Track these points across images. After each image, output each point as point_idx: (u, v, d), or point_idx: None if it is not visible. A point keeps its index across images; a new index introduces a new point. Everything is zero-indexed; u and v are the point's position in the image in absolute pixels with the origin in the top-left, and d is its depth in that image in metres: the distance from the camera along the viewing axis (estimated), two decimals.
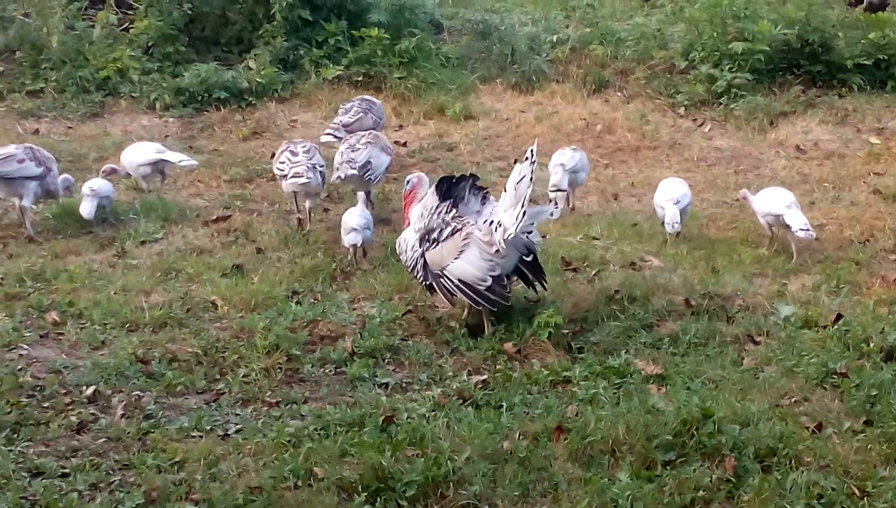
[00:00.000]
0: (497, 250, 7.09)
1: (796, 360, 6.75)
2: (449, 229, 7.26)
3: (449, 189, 7.42)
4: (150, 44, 13.69)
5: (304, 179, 8.96)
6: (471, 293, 7.13)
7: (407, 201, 7.85)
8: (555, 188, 9.68)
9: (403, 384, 6.66)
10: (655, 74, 13.89)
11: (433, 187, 7.54)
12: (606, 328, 7.31)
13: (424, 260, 7.35)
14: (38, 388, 6.41)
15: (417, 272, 7.44)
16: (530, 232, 7.23)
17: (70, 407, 6.21)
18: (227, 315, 7.48)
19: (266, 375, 6.65)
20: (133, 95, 13.01)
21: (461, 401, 6.32)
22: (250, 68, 13.46)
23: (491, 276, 7.12)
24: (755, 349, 6.99)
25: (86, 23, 13.83)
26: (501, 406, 6.25)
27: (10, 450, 5.72)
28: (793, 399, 6.29)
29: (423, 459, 5.55)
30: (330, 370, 6.82)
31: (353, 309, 7.69)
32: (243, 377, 6.63)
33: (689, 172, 11.20)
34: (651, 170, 11.26)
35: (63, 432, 5.96)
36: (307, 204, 9.27)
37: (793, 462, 5.59)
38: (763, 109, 12.79)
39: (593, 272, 8.22)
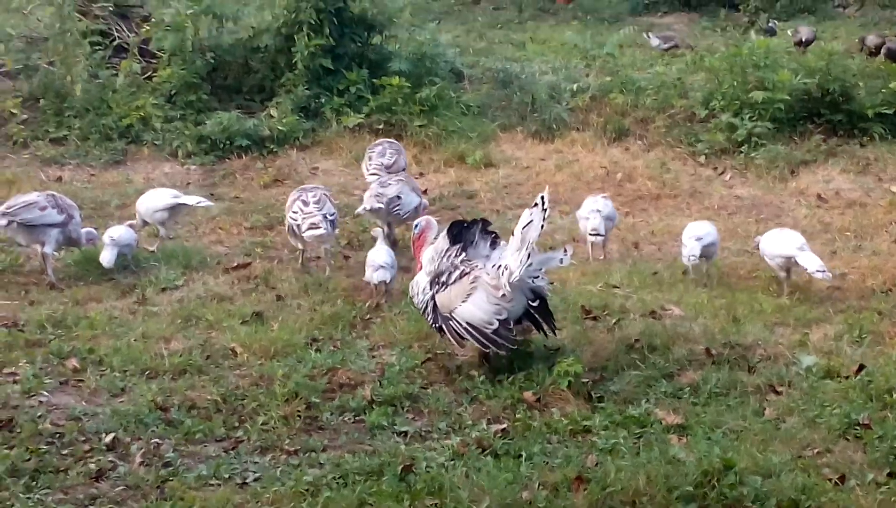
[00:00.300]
0: (503, 295, 7.12)
1: (818, 411, 6.67)
2: (458, 273, 7.31)
3: (459, 233, 7.50)
4: (172, 92, 13.82)
5: (321, 231, 9.10)
6: (478, 336, 7.16)
7: (417, 246, 7.93)
8: (595, 232, 9.88)
9: (422, 433, 6.61)
10: (676, 123, 13.96)
11: (444, 231, 7.60)
12: (626, 377, 7.26)
13: (434, 303, 7.39)
14: (58, 435, 6.38)
15: (428, 315, 7.48)
16: (537, 277, 7.26)
17: (89, 454, 6.19)
18: (247, 363, 7.47)
19: (285, 423, 6.62)
20: (155, 142, 13.11)
21: (480, 450, 6.27)
22: (272, 116, 13.56)
23: (497, 320, 7.14)
24: (777, 400, 6.92)
25: (109, 71, 14.00)
26: (521, 456, 6.19)
27: (28, 497, 5.69)
28: (815, 451, 6.21)
29: None
30: (349, 418, 6.78)
31: (373, 357, 7.67)
32: (262, 424, 6.60)
33: (709, 220, 11.13)
34: (671, 218, 11.25)
35: (82, 479, 5.93)
36: (323, 248, 9.50)
37: None
38: (784, 158, 12.79)
39: (613, 321, 8.18)
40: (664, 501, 5.59)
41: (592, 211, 9.97)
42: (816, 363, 7.34)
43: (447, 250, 7.46)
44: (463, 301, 7.21)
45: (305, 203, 9.31)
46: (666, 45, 17.82)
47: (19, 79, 14.06)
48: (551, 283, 7.70)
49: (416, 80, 14.14)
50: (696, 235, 9.24)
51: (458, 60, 15.84)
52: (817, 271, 8.64)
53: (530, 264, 7.09)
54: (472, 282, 7.21)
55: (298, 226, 9.21)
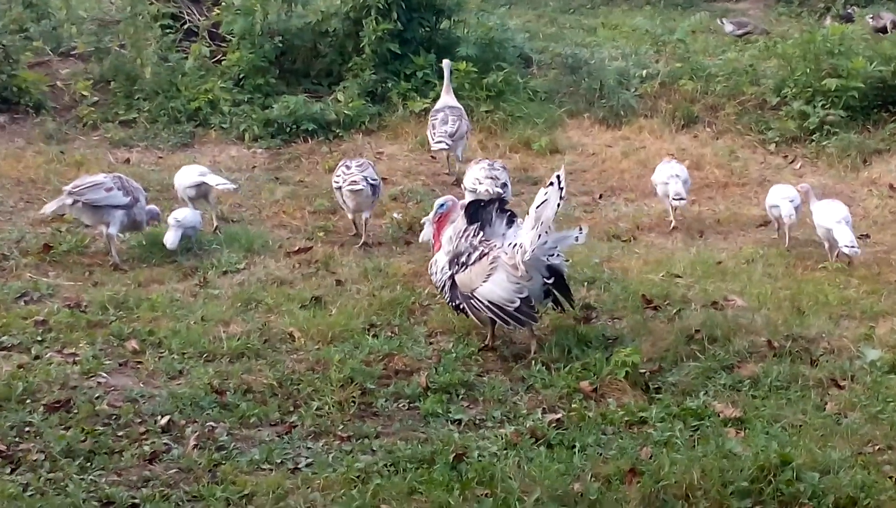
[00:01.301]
0: (524, 274, 7.21)
1: (881, 406, 6.53)
2: (477, 253, 7.43)
3: (476, 212, 7.61)
4: (241, 76, 13.88)
5: (358, 187, 9.50)
6: (500, 314, 7.29)
7: (439, 224, 7.94)
8: (678, 197, 10.20)
9: (476, 421, 6.58)
10: (746, 110, 13.74)
11: (462, 211, 7.70)
12: (685, 368, 7.16)
13: (453, 282, 7.51)
14: (114, 416, 6.45)
15: (446, 293, 7.61)
16: (552, 255, 7.32)
17: (144, 437, 6.24)
18: (304, 347, 7.48)
19: (339, 408, 6.62)
20: (223, 125, 13.18)
21: (534, 440, 6.22)
22: (339, 101, 13.56)
23: (519, 298, 7.25)
24: (839, 394, 6.78)
25: (179, 55, 14.11)
26: (574, 447, 6.14)
27: (82, 479, 5.76)
28: (876, 447, 6.08)
29: (492, 499, 5.50)
30: (403, 405, 6.77)
31: (430, 343, 7.65)
32: (316, 410, 6.61)
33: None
34: (739, 207, 11.05)
35: (136, 461, 5.98)
36: (363, 216, 9.78)
37: None
38: (856, 147, 12.51)
39: (674, 311, 8.07)
40: (718, 496, 5.50)
41: (671, 176, 10.28)
42: (881, 357, 7.19)
43: (465, 230, 7.58)
44: (483, 281, 7.33)
45: (348, 167, 9.79)
46: (739, 31, 17.57)
47: (91, 61, 14.20)
48: (567, 260, 7.70)
49: (483, 65, 14.06)
50: (788, 196, 9.61)
51: (526, 46, 15.72)
52: (846, 246, 8.93)
53: (545, 243, 7.19)
54: (492, 262, 7.32)
55: (339, 188, 9.67)
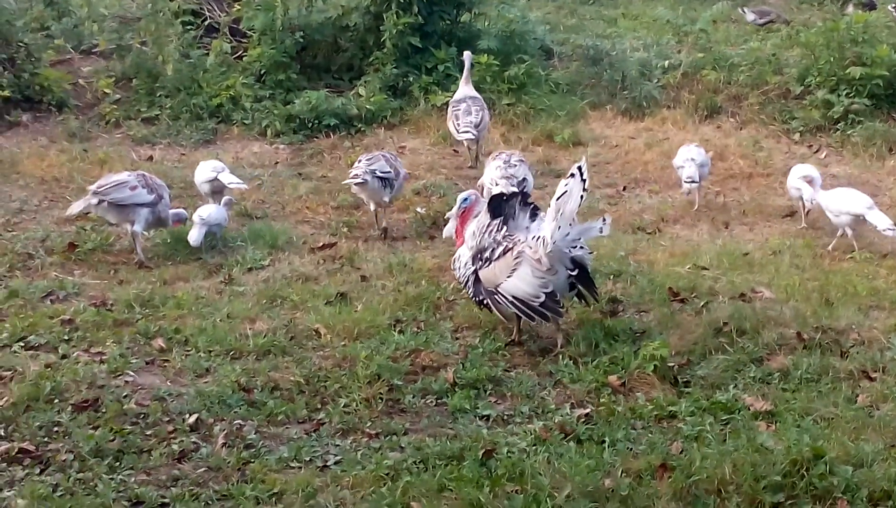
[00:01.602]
0: (549, 268, 7.18)
1: None
2: (501, 249, 7.38)
3: (499, 206, 7.59)
4: (262, 71, 13.88)
5: (359, 180, 9.53)
6: (525, 310, 7.24)
7: (463, 219, 7.91)
8: (690, 180, 10.46)
9: (505, 417, 6.55)
10: (770, 100, 13.65)
11: (485, 205, 7.68)
12: (714, 361, 7.11)
13: (476, 277, 7.47)
14: (142, 416, 6.44)
15: (469, 288, 7.58)
16: (575, 247, 7.28)
17: (172, 435, 6.23)
18: (330, 344, 7.46)
19: (367, 405, 6.60)
20: (245, 121, 13.16)
21: (563, 436, 6.19)
22: (360, 95, 13.54)
23: (544, 292, 7.20)
24: (870, 386, 6.72)
25: (200, 51, 14.12)
26: (604, 442, 6.10)
27: (111, 478, 5.75)
28: None
29: (522, 496, 5.46)
30: (431, 401, 6.75)
31: (456, 339, 7.62)
32: (344, 407, 6.59)
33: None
34: (763, 198, 10.97)
35: (164, 460, 5.98)
36: (379, 207, 9.86)
37: None
38: (881, 136, 12.41)
39: (701, 304, 8.02)
40: (751, 491, 5.45)
41: (687, 160, 10.53)
42: None
43: (488, 225, 7.54)
44: (508, 276, 7.29)
45: (360, 160, 9.86)
46: (761, 20, 17.45)
47: (112, 59, 14.22)
48: (591, 252, 7.62)
49: (504, 58, 14.01)
50: (808, 174, 9.78)
51: (547, 38, 15.66)
52: (888, 228, 9.03)
53: (567, 234, 7.15)
54: (517, 257, 7.28)
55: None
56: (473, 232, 7.63)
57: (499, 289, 7.33)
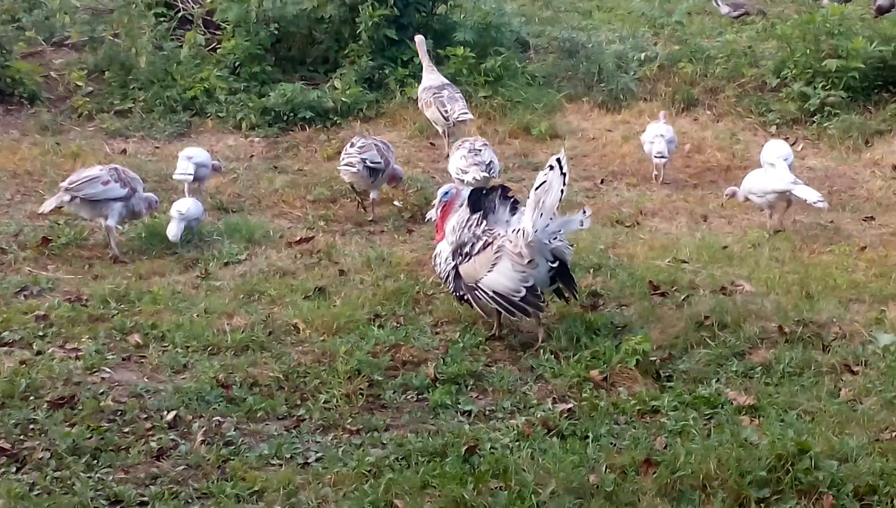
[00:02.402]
0: (530, 261, 7.12)
1: None
2: (481, 243, 7.33)
3: (479, 200, 7.52)
4: (236, 64, 13.74)
5: (353, 169, 9.81)
6: (506, 305, 7.19)
7: (443, 213, 7.81)
8: (660, 155, 11.08)
9: (487, 412, 6.50)
10: (746, 92, 13.63)
11: (465, 199, 7.62)
12: (696, 355, 7.09)
13: (457, 272, 7.42)
14: (119, 413, 6.35)
15: (450, 284, 7.53)
16: (555, 238, 7.25)
17: (150, 433, 6.15)
18: (309, 339, 7.38)
19: (347, 401, 6.54)
20: (219, 114, 13.05)
21: (546, 431, 6.14)
22: (336, 88, 13.43)
23: (525, 287, 7.15)
24: (853, 380, 6.70)
25: (174, 43, 13.97)
26: (588, 437, 6.06)
27: (89, 477, 5.66)
28: (893, 434, 5.98)
29: (506, 493, 5.41)
30: (412, 397, 6.69)
31: (436, 333, 7.56)
32: (324, 403, 6.52)
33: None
34: None
35: (143, 458, 5.89)
36: (371, 195, 10.10)
37: (894, 500, 5.33)
38: (858, 128, 12.41)
39: (682, 297, 7.98)
40: (736, 486, 5.42)
41: (656, 136, 11.14)
42: (894, 341, 7.07)
43: (468, 220, 7.49)
44: (488, 271, 7.24)
45: (352, 145, 10.06)
46: (736, 13, 17.40)
47: (84, 51, 14.02)
48: (571, 245, 7.63)
49: (480, 50, 13.91)
50: (784, 155, 10.19)
51: (523, 30, 15.56)
52: (817, 201, 9.38)
53: (547, 226, 7.09)
54: (497, 252, 7.22)
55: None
56: (453, 227, 7.56)
57: (479, 284, 7.28)
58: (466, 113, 11.74)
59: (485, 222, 7.44)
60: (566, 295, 7.57)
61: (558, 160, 7.08)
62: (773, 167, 9.96)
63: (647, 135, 11.31)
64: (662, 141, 11.08)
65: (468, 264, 7.34)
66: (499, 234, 7.33)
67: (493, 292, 7.20)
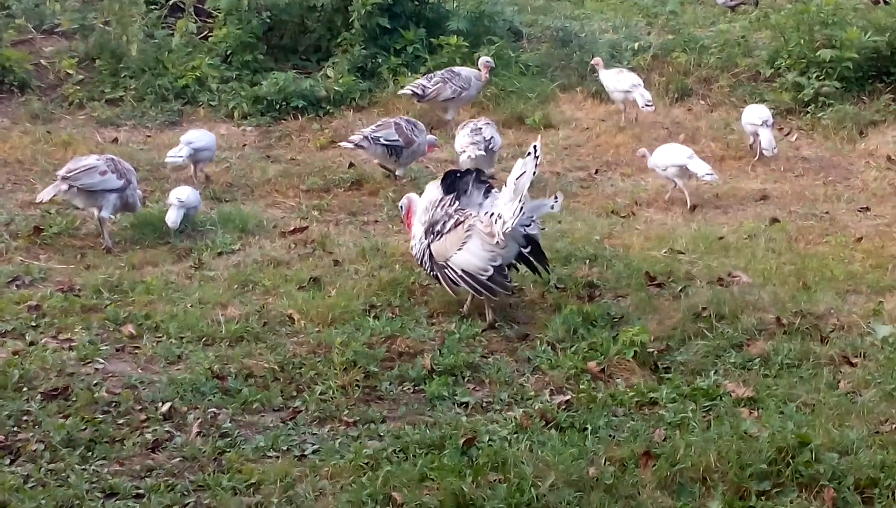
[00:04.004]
0: (498, 242, 7.23)
1: None
2: (452, 222, 7.47)
3: (453, 183, 7.66)
4: (228, 52, 13.66)
5: (351, 146, 10.56)
6: (473, 283, 7.32)
7: (407, 221, 8.14)
8: (649, 103, 12.23)
9: (484, 404, 6.45)
10: (740, 82, 13.65)
11: (438, 181, 7.78)
12: (693, 346, 7.05)
13: (430, 251, 7.51)
14: (114, 404, 6.29)
15: (425, 264, 7.63)
16: (529, 225, 7.38)
17: (145, 424, 6.10)
18: (304, 330, 7.33)
19: (343, 393, 6.49)
20: (211, 103, 12.98)
21: (544, 423, 6.10)
22: (328, 77, 13.36)
23: (492, 266, 7.28)
24: (852, 372, 6.67)
25: (165, 31, 13.87)
26: (586, 429, 6.02)
27: (84, 469, 5.61)
28: (893, 426, 5.96)
29: (505, 485, 5.37)
30: (408, 388, 6.65)
31: (432, 324, 7.52)
32: (320, 394, 6.47)
33: (776, 182, 10.92)
34: (736, 181, 10.94)
35: (138, 450, 5.84)
36: (397, 173, 10.65)
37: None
38: (852, 118, 12.40)
39: (679, 288, 7.94)
40: (737, 479, 5.38)
41: (633, 85, 12.31)
42: (892, 332, 7.05)
43: (441, 200, 7.63)
44: (458, 249, 7.36)
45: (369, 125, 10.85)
46: (731, 2, 17.39)
47: (75, 39, 13.91)
48: (543, 228, 7.85)
49: (474, 39, 13.88)
50: (764, 117, 11.29)
51: (516, 19, 15.51)
52: (706, 174, 10.00)
53: (523, 213, 7.20)
54: (467, 230, 7.35)
55: None
56: (426, 207, 7.71)
57: (448, 262, 7.41)
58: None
59: (457, 203, 7.57)
60: (539, 270, 7.70)
61: (535, 147, 7.19)
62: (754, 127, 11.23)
63: (623, 85, 12.37)
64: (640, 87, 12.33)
65: (439, 242, 7.48)
66: (470, 214, 7.43)
67: (462, 270, 7.32)
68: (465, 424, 6.10)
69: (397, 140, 10.33)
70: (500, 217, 7.22)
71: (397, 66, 13.57)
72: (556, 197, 7.50)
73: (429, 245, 7.54)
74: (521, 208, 7.14)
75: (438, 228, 7.51)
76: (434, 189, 7.77)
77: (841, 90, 12.87)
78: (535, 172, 7.20)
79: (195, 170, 10.42)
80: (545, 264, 7.70)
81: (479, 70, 12.57)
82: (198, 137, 10.39)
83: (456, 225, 7.42)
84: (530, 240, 7.47)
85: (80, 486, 5.45)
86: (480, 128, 10.34)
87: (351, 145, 10.54)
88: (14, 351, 6.87)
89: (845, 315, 7.42)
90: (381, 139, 10.31)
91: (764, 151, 11.28)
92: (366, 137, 10.36)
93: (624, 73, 12.61)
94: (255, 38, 13.72)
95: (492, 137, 10.28)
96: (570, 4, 18.01)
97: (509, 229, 7.18)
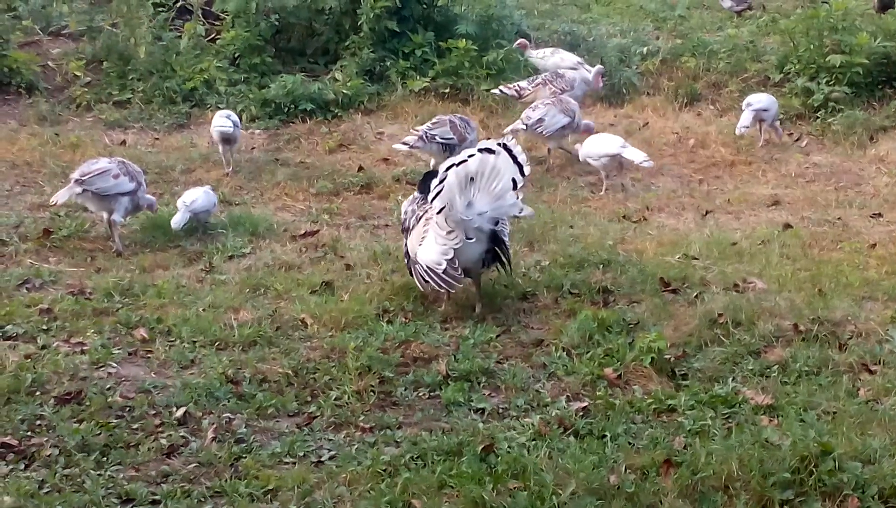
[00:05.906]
0: (450, 232, 7.27)
1: None
2: (414, 218, 7.65)
3: (425, 182, 7.70)
4: (236, 55, 13.65)
5: (407, 147, 10.71)
6: (433, 277, 7.35)
7: None
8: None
9: (500, 410, 6.38)
10: (749, 88, 13.56)
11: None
12: (711, 353, 6.98)
13: (406, 249, 7.74)
14: (128, 409, 6.23)
15: (408, 264, 7.74)
16: (496, 224, 7.45)
17: (160, 429, 6.03)
18: (317, 334, 7.27)
19: (359, 398, 6.43)
20: (219, 106, 12.87)
21: (562, 430, 6.03)
22: (336, 80, 13.33)
23: (445, 259, 7.29)
24: (871, 379, 6.59)
25: (173, 34, 13.87)
26: (605, 436, 5.94)
27: (99, 474, 5.55)
28: None
29: (526, 493, 5.31)
30: (424, 394, 6.58)
31: (446, 329, 7.45)
32: (335, 400, 6.41)
33: (787, 188, 10.87)
34: (747, 186, 10.90)
35: (153, 455, 5.78)
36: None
37: None
38: (862, 124, 12.35)
39: (694, 294, 7.88)
40: (759, 487, 5.31)
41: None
42: None
43: (413, 199, 7.88)
44: (419, 244, 7.44)
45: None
46: (738, 7, 17.33)
47: (83, 41, 13.92)
48: (510, 227, 7.95)
49: (482, 43, 13.85)
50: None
51: (524, 23, 15.46)
52: (643, 161, 10.35)
53: (486, 212, 7.30)
54: (425, 225, 7.45)
55: None
56: (404, 209, 7.95)
57: (416, 257, 7.49)
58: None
59: (423, 201, 7.64)
60: (504, 267, 7.72)
61: (503, 144, 7.34)
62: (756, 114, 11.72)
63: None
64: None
65: (409, 238, 7.65)
66: (430, 208, 7.45)
67: (426, 265, 7.37)
68: (482, 430, 6.03)
69: (452, 138, 10.54)
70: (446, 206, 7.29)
71: (405, 69, 13.54)
72: (518, 196, 7.48)
73: (405, 243, 7.74)
74: (444, 189, 7.18)
75: (407, 225, 7.74)
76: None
77: (851, 96, 12.84)
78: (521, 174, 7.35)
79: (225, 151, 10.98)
80: (508, 263, 7.68)
81: (590, 74, 13.00)
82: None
83: (418, 221, 7.59)
84: (495, 239, 7.48)
85: (96, 492, 5.39)
86: (534, 108, 11.32)
87: (406, 147, 10.69)
88: (26, 355, 6.80)
89: (862, 322, 7.34)
90: (437, 137, 10.54)
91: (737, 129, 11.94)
92: (421, 137, 10.55)
93: (559, 52, 13.34)
94: (263, 41, 13.72)
95: (541, 119, 11.14)
96: (576, 8, 17.98)
97: (447, 212, 7.22)
